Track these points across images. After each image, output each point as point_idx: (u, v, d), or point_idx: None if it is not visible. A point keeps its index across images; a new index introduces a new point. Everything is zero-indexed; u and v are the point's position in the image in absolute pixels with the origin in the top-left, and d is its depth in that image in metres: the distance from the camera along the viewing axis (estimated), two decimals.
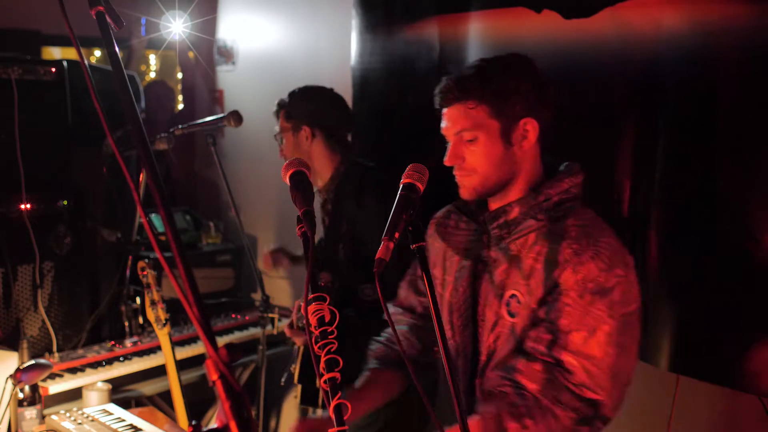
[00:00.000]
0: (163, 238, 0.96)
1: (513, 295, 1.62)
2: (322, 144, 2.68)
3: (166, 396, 2.75)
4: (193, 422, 0.88)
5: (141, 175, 2.94)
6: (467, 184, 1.65)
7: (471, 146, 1.62)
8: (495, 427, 1.49)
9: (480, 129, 1.61)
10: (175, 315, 2.84)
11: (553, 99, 1.66)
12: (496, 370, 1.60)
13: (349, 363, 1.91)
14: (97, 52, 5.18)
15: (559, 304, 1.54)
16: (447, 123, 1.66)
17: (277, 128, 2.75)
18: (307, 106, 2.70)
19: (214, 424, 0.88)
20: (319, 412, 2.68)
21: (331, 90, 2.77)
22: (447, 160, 1.65)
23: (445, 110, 1.67)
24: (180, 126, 2.94)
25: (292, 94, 2.73)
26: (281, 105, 2.74)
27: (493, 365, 1.65)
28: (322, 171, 2.69)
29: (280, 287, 3.79)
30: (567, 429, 1.53)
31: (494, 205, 1.69)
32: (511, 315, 1.62)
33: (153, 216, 3.54)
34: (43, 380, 2.56)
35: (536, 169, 1.69)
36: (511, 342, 1.62)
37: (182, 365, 2.67)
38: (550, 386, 1.51)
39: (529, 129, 1.63)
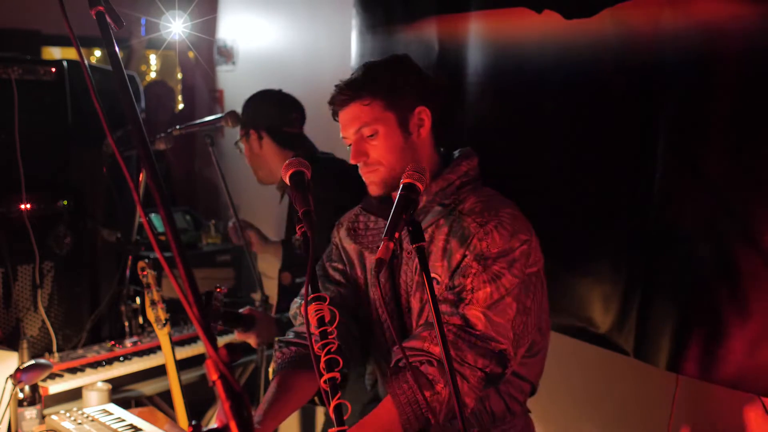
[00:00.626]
0: (163, 238, 0.96)
1: (432, 278, 1.68)
2: (272, 144, 2.74)
3: (166, 396, 2.75)
4: (193, 422, 0.88)
5: (141, 175, 2.94)
6: (375, 179, 1.72)
7: (372, 141, 1.70)
8: (408, 401, 1.53)
9: (378, 122, 1.69)
10: (175, 315, 2.85)
11: (443, 88, 1.78)
12: (406, 341, 1.63)
13: None
14: (97, 52, 5.18)
15: (465, 269, 1.62)
16: (344, 124, 1.73)
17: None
18: (250, 111, 2.78)
19: (214, 424, 0.88)
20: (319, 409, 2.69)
21: (278, 91, 2.82)
22: (352, 159, 1.72)
23: (340, 114, 1.74)
24: (178, 126, 2.94)
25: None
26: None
27: None
28: (277, 171, 2.74)
29: None
30: (476, 389, 1.56)
31: None
32: None
33: (153, 216, 3.53)
34: (43, 380, 2.56)
35: (434, 158, 1.77)
36: None
37: (182, 365, 2.67)
38: (454, 348, 1.54)
39: (424, 117, 1.72)
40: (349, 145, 1.74)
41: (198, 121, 3.01)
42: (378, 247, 1.75)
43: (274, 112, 2.77)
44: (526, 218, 1.70)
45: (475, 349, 1.55)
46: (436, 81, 1.77)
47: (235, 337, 2.23)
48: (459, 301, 1.60)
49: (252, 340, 2.21)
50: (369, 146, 1.70)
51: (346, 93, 1.71)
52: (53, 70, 2.94)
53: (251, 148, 2.77)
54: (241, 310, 2.19)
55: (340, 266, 1.91)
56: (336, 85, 1.75)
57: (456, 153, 1.79)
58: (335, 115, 1.77)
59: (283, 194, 2.82)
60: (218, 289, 2.09)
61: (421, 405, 1.52)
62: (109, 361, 2.83)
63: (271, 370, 2.65)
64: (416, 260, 1.71)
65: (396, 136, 1.70)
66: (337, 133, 3.11)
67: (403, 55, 1.79)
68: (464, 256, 1.63)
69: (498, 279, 1.59)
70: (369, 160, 1.70)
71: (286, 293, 2.76)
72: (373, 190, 1.73)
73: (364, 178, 1.74)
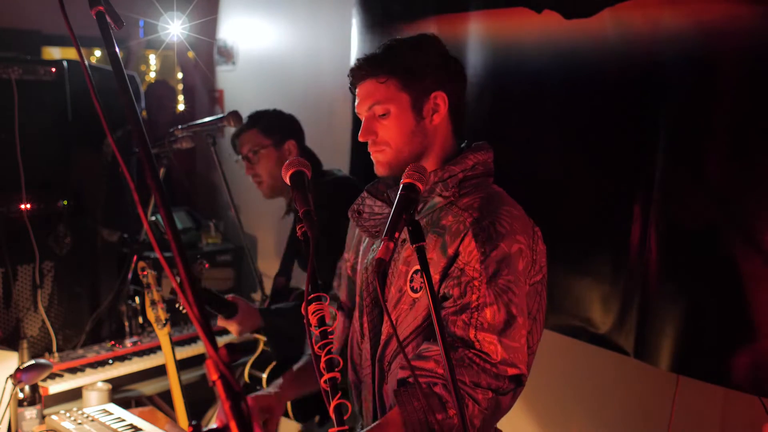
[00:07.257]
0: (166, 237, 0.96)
1: (417, 271, 1.62)
2: (299, 154, 2.78)
3: (166, 396, 2.75)
4: (193, 422, 0.88)
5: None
6: (381, 159, 1.67)
7: (383, 121, 1.66)
8: (419, 420, 1.48)
9: (391, 102, 1.64)
10: (175, 315, 2.85)
11: (463, 75, 1.71)
12: (414, 359, 1.56)
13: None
14: (97, 52, 5.17)
15: (464, 278, 1.54)
16: (359, 100, 1.69)
17: (247, 148, 2.79)
18: (282, 122, 2.79)
19: (214, 424, 0.88)
20: (317, 418, 2.69)
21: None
22: (360, 136, 1.68)
23: (357, 88, 1.70)
24: (180, 126, 2.95)
25: (262, 114, 2.80)
26: (252, 124, 2.80)
27: (394, 346, 1.65)
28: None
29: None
30: (487, 410, 1.51)
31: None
32: (414, 291, 1.63)
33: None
34: (43, 380, 2.56)
35: (448, 146, 1.71)
36: (411, 319, 1.62)
37: (182, 365, 2.68)
38: (468, 372, 1.49)
39: (440, 103, 1.66)
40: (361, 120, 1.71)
41: (200, 120, 3.01)
42: (376, 232, 1.73)
43: (299, 126, 2.85)
44: (530, 220, 1.63)
45: (490, 373, 1.50)
46: (457, 67, 1.70)
47: (217, 323, 2.26)
48: (465, 323, 1.52)
49: (233, 328, 2.23)
50: (379, 125, 1.66)
51: (365, 68, 1.67)
52: (53, 70, 2.95)
53: (280, 157, 2.76)
54: (226, 297, 2.21)
55: (346, 256, 1.91)
56: (357, 58, 1.70)
57: (472, 145, 1.73)
58: (353, 87, 1.72)
59: (288, 209, 2.83)
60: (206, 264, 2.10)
61: (432, 427, 1.47)
62: (109, 361, 2.84)
63: (246, 370, 2.69)
64: (404, 252, 1.67)
65: (407, 119, 1.65)
66: (334, 132, 3.11)
67: (432, 35, 1.72)
68: (457, 253, 1.56)
69: (505, 294, 1.52)
70: (377, 139, 1.66)
71: (278, 294, 2.82)
72: (378, 170, 1.70)
73: (372, 156, 1.70)
